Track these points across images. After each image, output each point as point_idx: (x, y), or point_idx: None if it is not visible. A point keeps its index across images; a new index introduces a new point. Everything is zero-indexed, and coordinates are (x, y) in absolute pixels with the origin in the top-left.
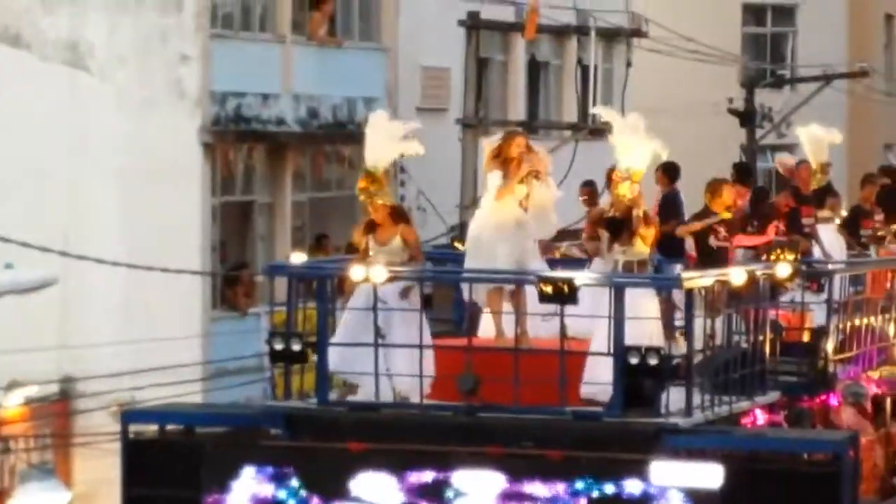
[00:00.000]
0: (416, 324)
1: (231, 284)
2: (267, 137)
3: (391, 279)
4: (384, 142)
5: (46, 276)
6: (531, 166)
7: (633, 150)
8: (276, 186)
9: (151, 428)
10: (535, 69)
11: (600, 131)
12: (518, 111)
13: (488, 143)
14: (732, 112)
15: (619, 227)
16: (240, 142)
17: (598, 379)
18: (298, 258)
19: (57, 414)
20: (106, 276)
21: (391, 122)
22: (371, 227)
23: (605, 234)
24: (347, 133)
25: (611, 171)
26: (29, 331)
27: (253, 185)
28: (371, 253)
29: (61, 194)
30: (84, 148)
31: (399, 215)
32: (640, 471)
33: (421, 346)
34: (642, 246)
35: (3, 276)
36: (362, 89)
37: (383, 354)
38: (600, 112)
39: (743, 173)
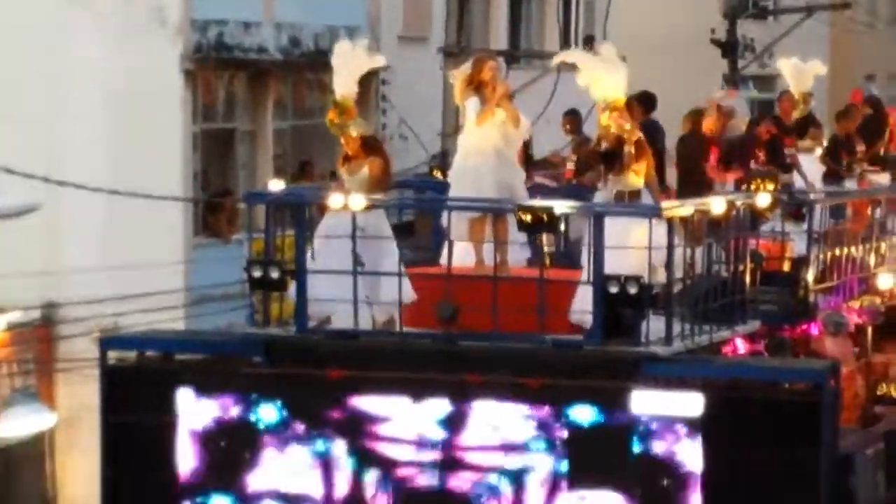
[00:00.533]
0: (392, 252)
1: (213, 211)
2: (248, 65)
3: (369, 207)
4: (350, 71)
5: (29, 202)
6: (506, 89)
7: (605, 79)
8: (258, 114)
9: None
10: None
11: None
12: (500, 40)
13: (459, 72)
14: (715, 42)
15: (611, 158)
16: (221, 69)
17: (588, 306)
18: (277, 185)
19: (39, 339)
20: (88, 203)
21: (356, 50)
22: (346, 157)
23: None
24: (329, 61)
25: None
26: (11, 257)
27: (234, 112)
28: (345, 183)
29: (43, 122)
30: (65, 76)
31: (370, 146)
32: (619, 399)
33: (399, 274)
34: (635, 178)
35: None
36: (344, 18)
37: (362, 282)
38: (562, 56)
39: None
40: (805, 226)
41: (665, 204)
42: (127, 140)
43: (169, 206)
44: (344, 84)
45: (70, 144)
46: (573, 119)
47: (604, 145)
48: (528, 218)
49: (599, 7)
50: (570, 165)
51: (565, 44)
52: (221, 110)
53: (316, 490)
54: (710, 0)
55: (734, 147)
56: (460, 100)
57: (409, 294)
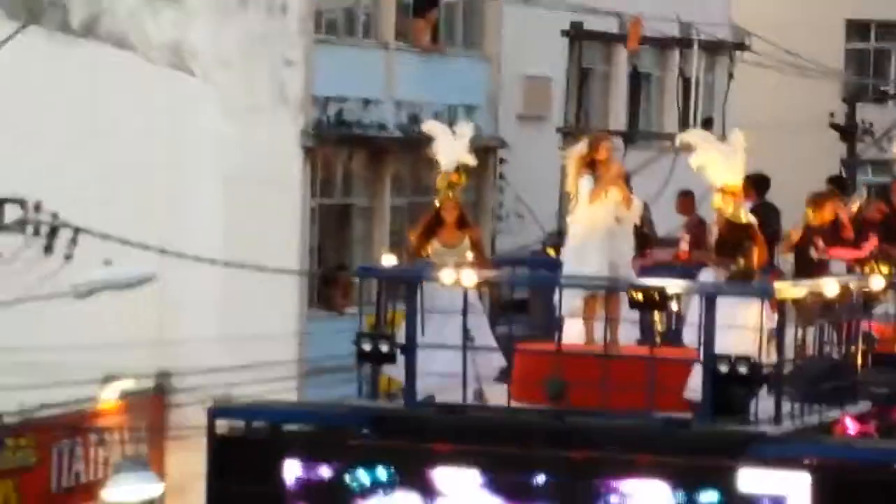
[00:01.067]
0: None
1: (328, 285)
2: (367, 142)
3: (482, 284)
4: (451, 144)
5: (144, 272)
6: (620, 168)
7: (721, 162)
8: (376, 190)
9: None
10: (637, 80)
11: None
12: (619, 121)
13: (574, 151)
14: (834, 127)
15: (729, 242)
16: (340, 146)
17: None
18: (389, 260)
19: (152, 408)
20: (204, 276)
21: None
22: (432, 230)
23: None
24: None
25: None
26: (126, 327)
27: (352, 188)
28: (434, 256)
29: (163, 196)
30: (186, 150)
31: (466, 219)
32: (727, 478)
33: (510, 350)
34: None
35: (102, 271)
36: (464, 97)
37: (472, 358)
38: (683, 136)
39: (840, 186)
40: None
41: (778, 285)
42: (245, 214)
43: (284, 279)
44: (450, 155)
45: (189, 218)
46: (686, 199)
47: (716, 230)
48: (639, 296)
49: (719, 89)
50: (684, 245)
51: (684, 125)
52: (339, 186)
53: None
54: (830, 84)
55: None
56: (574, 177)
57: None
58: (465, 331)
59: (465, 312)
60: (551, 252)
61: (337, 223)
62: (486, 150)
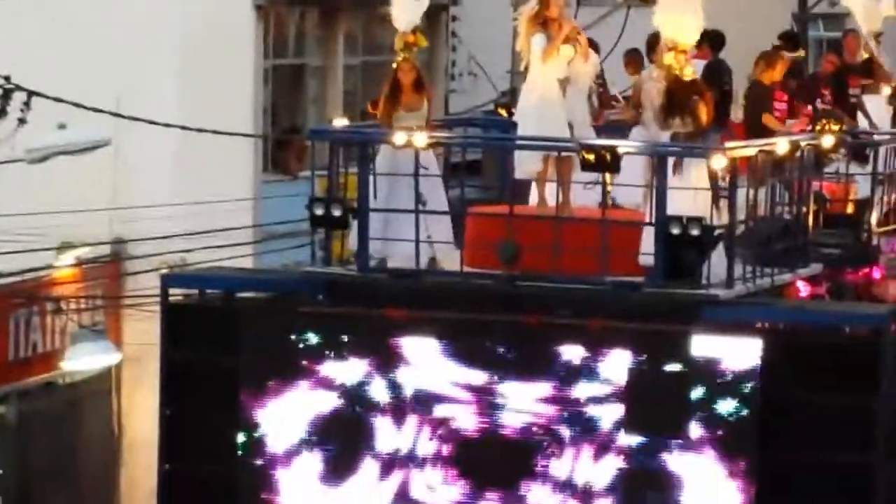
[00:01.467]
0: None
1: (282, 148)
2: (320, 1)
3: (432, 145)
4: (408, 4)
5: (99, 136)
6: (573, 25)
7: (681, 21)
8: (329, 49)
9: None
10: None
11: None
12: None
13: (526, 9)
14: None
15: (675, 100)
16: (292, 5)
17: None
18: (341, 122)
19: (108, 275)
20: (158, 139)
21: None
22: (395, 95)
23: (656, 105)
24: None
25: (652, 38)
26: (81, 192)
27: (305, 48)
28: (395, 121)
29: (113, 57)
30: (137, 11)
31: (423, 81)
32: (679, 342)
33: (462, 213)
34: (700, 120)
35: (56, 135)
36: None
37: (424, 221)
38: None
39: (791, 43)
40: (869, 167)
41: (728, 144)
42: (197, 76)
43: (238, 142)
44: (407, 14)
45: (141, 80)
46: (634, 58)
47: (660, 88)
48: (591, 157)
49: None
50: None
51: None
52: (292, 46)
53: (364, 431)
54: None
55: (798, 90)
56: (525, 37)
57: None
58: (418, 194)
59: (416, 176)
60: (503, 112)
61: (290, 84)
62: (437, 8)
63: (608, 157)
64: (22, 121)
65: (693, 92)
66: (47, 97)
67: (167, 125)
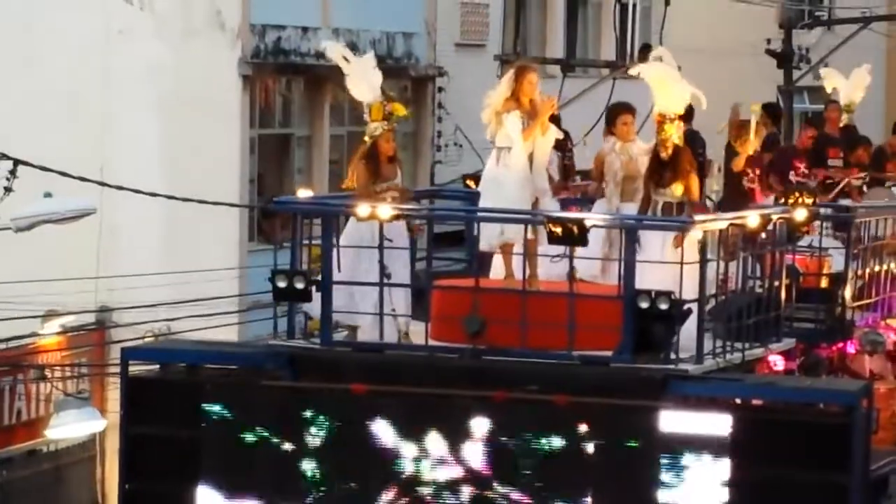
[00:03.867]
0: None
1: (268, 217)
2: (306, 70)
3: (397, 217)
4: (366, 72)
5: (84, 205)
6: (551, 105)
7: (674, 91)
8: (315, 119)
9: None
10: (574, 6)
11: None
12: (556, 48)
13: (499, 94)
14: (770, 53)
15: (671, 170)
16: (279, 74)
17: None
18: (305, 193)
19: (93, 343)
20: (144, 207)
21: (366, 61)
22: (375, 163)
23: (619, 178)
24: (386, 67)
25: (612, 111)
26: (66, 261)
27: (291, 118)
28: (376, 188)
29: (100, 125)
30: (122, 78)
31: (396, 150)
32: (647, 418)
33: (428, 287)
34: (679, 189)
35: (42, 204)
36: (401, 24)
37: (388, 294)
38: (641, 68)
39: (772, 116)
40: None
41: (698, 217)
42: (183, 144)
43: (224, 211)
44: (367, 87)
45: (126, 148)
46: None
47: (663, 155)
48: (558, 230)
49: (656, 15)
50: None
51: (621, 51)
52: (278, 115)
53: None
54: (766, 10)
55: (774, 161)
56: (499, 111)
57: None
58: (382, 267)
59: (381, 248)
60: (470, 183)
61: (276, 153)
62: (424, 78)
63: (575, 229)
64: (8, 189)
65: (686, 161)
66: (33, 166)
67: (153, 194)
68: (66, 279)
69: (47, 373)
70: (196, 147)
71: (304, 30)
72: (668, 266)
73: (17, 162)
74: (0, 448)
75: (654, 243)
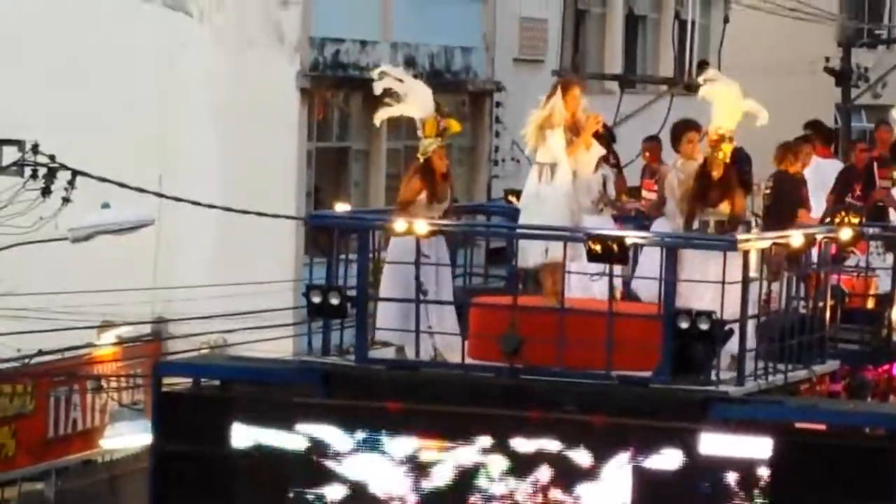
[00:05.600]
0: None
1: (324, 231)
2: (364, 84)
3: (434, 233)
4: (415, 89)
5: (142, 216)
6: (597, 121)
7: (734, 109)
8: (372, 133)
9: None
10: (633, 22)
11: (695, 86)
12: (615, 64)
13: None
14: (828, 71)
15: (713, 188)
16: (337, 88)
17: None
18: (342, 208)
19: (148, 354)
20: (201, 219)
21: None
22: (432, 181)
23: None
24: (444, 81)
25: (681, 128)
26: (123, 272)
27: (349, 131)
28: (424, 208)
29: (158, 136)
30: (181, 90)
31: (449, 169)
32: (686, 441)
33: (465, 304)
34: (727, 207)
35: (100, 215)
36: (460, 38)
37: (425, 311)
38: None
39: (822, 134)
40: (891, 261)
41: (741, 236)
42: (241, 156)
43: (281, 224)
44: (423, 103)
45: (184, 160)
46: (654, 146)
47: (715, 174)
48: (597, 248)
49: (714, 32)
50: (647, 195)
51: (679, 68)
52: (335, 128)
53: None
54: (825, 28)
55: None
56: (544, 127)
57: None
58: (418, 283)
59: (417, 264)
60: (512, 199)
61: (334, 166)
62: (481, 93)
63: (615, 247)
64: (66, 200)
65: (734, 179)
66: (91, 176)
67: (210, 206)
68: (122, 290)
69: (103, 383)
70: (253, 159)
71: (363, 43)
72: (719, 287)
73: (75, 172)
74: (56, 458)
75: (709, 263)
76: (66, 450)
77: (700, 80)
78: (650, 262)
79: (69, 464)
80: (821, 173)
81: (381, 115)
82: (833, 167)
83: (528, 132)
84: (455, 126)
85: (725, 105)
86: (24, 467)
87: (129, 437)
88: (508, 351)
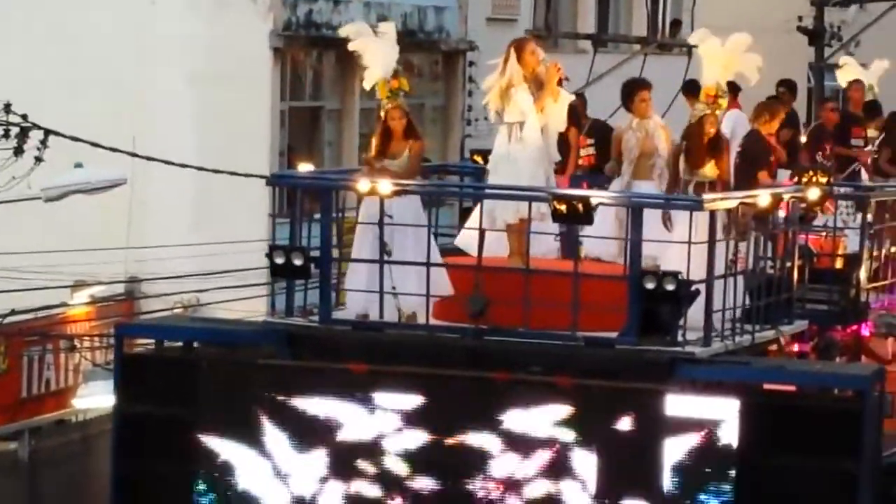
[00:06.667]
0: (426, 240)
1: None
2: (337, 44)
3: (397, 192)
4: (380, 48)
5: (115, 175)
6: (556, 69)
7: (727, 66)
8: (345, 93)
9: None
10: None
11: (668, 46)
12: (588, 24)
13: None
14: (801, 30)
15: (702, 148)
16: (310, 47)
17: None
18: (305, 167)
19: (122, 314)
20: (174, 179)
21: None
22: (384, 140)
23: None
24: (417, 41)
25: (632, 87)
26: (96, 231)
27: (322, 91)
28: (387, 166)
29: (131, 96)
30: (154, 50)
31: (413, 127)
32: (652, 402)
33: (428, 265)
34: (713, 169)
35: (73, 174)
36: None
37: (390, 272)
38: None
39: (791, 91)
40: (859, 221)
41: (707, 196)
42: (214, 117)
43: (255, 183)
44: (384, 65)
45: (157, 120)
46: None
47: (711, 131)
48: (562, 208)
49: None
50: (591, 150)
51: (653, 27)
52: (309, 88)
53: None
54: None
55: (808, 142)
56: (507, 87)
57: (445, 286)
58: (382, 244)
59: (381, 224)
60: (478, 159)
61: (307, 126)
62: (455, 52)
63: (580, 207)
64: (39, 159)
65: (723, 140)
66: (64, 136)
67: (183, 165)
68: (95, 249)
69: (76, 343)
70: (227, 119)
71: (336, 2)
72: (696, 248)
73: (48, 132)
74: (29, 417)
75: (681, 224)
76: (39, 409)
77: (691, 39)
78: (600, 220)
79: (42, 423)
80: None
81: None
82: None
83: (490, 98)
84: (404, 84)
85: (719, 62)
86: None
87: (102, 397)
88: (474, 312)
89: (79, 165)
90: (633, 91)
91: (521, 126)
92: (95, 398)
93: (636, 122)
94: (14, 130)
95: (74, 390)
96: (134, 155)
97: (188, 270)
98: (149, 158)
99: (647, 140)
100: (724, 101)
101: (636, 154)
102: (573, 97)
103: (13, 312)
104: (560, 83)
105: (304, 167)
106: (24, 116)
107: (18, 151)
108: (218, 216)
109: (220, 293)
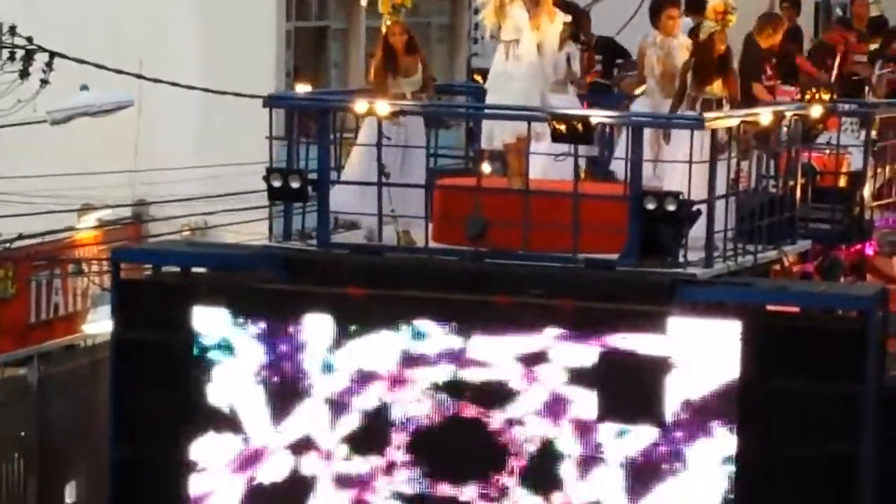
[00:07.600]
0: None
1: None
2: None
3: (396, 113)
4: None
5: (122, 98)
6: None
7: None
8: (351, 12)
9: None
10: None
11: None
12: None
13: None
14: None
15: (711, 65)
16: None
17: None
18: (302, 88)
19: (129, 238)
20: (181, 101)
21: None
22: (389, 62)
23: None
24: None
25: (661, 3)
26: (103, 154)
27: (328, 10)
28: (393, 88)
29: (137, 18)
30: None
31: (415, 42)
32: (653, 324)
33: (427, 186)
34: (720, 88)
35: (79, 97)
36: None
37: (388, 193)
38: None
39: (796, 6)
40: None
41: (707, 115)
42: (220, 38)
43: (260, 105)
44: None
45: (162, 42)
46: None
47: (721, 48)
48: (562, 127)
49: None
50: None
51: None
52: (314, 8)
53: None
54: None
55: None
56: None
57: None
58: (381, 166)
59: (379, 146)
60: (478, 79)
61: (312, 46)
62: None
63: (580, 127)
64: (44, 82)
65: (732, 58)
66: (69, 58)
67: (189, 87)
68: (102, 173)
69: (84, 267)
70: (233, 40)
71: None
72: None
73: (53, 54)
74: (38, 342)
75: (682, 144)
76: (48, 335)
77: None
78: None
79: (52, 349)
80: None
81: None
82: None
83: (486, 14)
84: (406, 1)
85: None
86: (6, 352)
87: (110, 322)
88: (473, 234)
89: (84, 88)
90: (661, 7)
91: (517, 44)
92: (104, 323)
93: (660, 38)
94: (19, 53)
95: (83, 315)
96: (140, 77)
97: (195, 193)
98: (155, 80)
99: (667, 59)
100: (732, 17)
101: (659, 72)
102: (568, 18)
103: (20, 237)
104: (566, 8)
105: (302, 88)
106: (30, 39)
107: (24, 74)
108: (224, 138)
109: (227, 215)
